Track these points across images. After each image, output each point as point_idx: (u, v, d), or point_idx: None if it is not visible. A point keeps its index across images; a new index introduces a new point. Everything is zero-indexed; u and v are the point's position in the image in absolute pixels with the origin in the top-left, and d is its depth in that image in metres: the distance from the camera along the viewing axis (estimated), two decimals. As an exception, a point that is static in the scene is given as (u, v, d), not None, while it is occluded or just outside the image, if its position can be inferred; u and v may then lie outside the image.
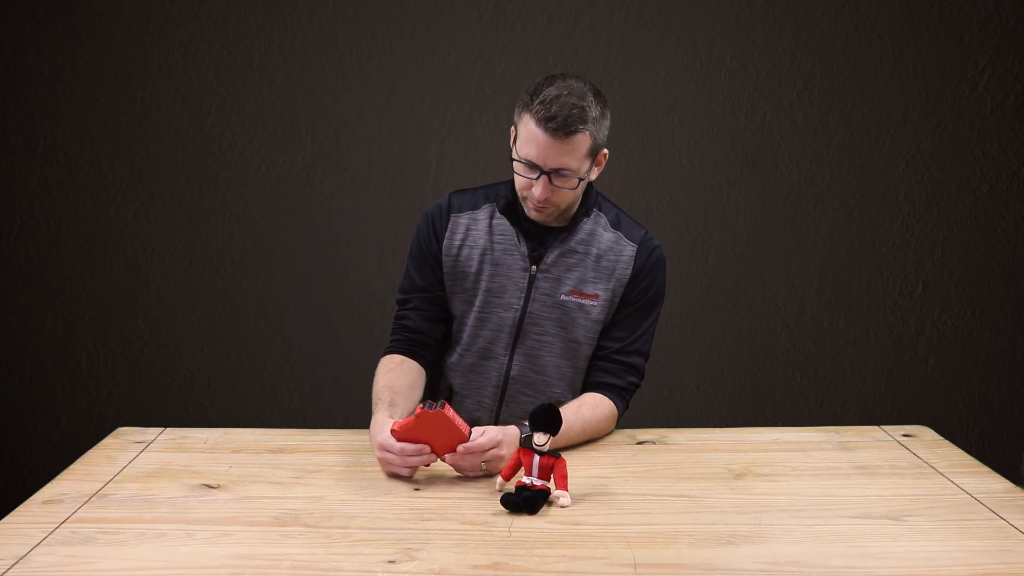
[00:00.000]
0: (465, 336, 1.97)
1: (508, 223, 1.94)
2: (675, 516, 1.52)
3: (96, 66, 3.13)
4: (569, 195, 1.85)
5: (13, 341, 3.24)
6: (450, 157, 3.20)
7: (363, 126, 3.19)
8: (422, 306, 1.98)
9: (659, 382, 3.27)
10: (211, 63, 3.14)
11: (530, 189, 1.83)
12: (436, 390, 2.05)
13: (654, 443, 1.90)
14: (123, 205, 3.20)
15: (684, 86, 3.19)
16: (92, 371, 3.26)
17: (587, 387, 1.97)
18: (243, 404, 3.28)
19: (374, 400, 1.85)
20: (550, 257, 1.92)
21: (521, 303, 1.92)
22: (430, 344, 1.99)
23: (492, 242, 1.94)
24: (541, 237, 1.93)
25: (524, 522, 1.49)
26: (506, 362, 1.95)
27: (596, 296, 1.93)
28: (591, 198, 1.96)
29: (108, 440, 1.87)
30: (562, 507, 1.54)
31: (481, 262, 1.94)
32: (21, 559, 1.34)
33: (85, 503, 1.55)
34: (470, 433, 1.65)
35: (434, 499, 1.58)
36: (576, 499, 1.57)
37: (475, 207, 1.97)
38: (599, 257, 1.93)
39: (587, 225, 1.94)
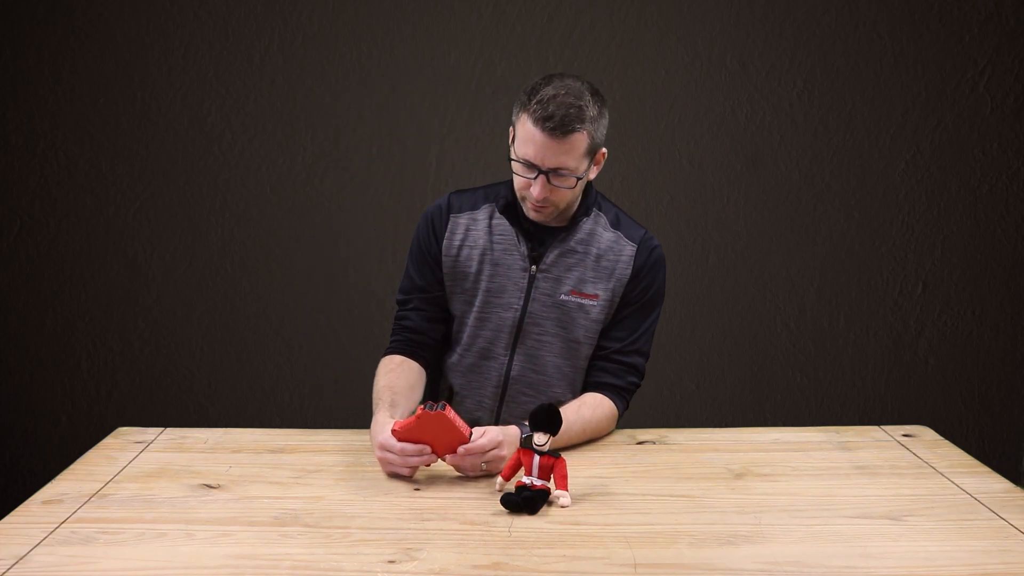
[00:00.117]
0: (465, 336, 1.97)
1: (508, 223, 1.94)
2: (675, 516, 1.52)
3: (96, 66, 3.13)
4: (568, 195, 1.85)
5: (13, 341, 3.24)
6: (450, 157, 3.20)
7: (363, 126, 3.19)
8: (422, 306, 1.98)
9: (659, 382, 3.27)
10: (211, 63, 3.14)
11: (528, 189, 1.83)
12: (436, 390, 2.05)
13: (654, 443, 1.90)
14: (123, 205, 3.20)
15: (684, 86, 3.19)
16: (92, 371, 3.26)
17: (587, 387, 1.97)
18: (243, 404, 3.28)
19: (374, 400, 1.85)
20: (550, 257, 1.92)
21: (521, 303, 1.92)
22: (430, 344, 1.99)
23: (492, 242, 1.94)
24: (541, 237, 1.93)
25: (524, 522, 1.49)
26: (506, 362, 1.95)
27: (596, 296, 1.93)
28: (591, 198, 1.95)
29: (108, 440, 1.87)
30: (562, 507, 1.54)
31: (481, 262, 1.94)
32: (21, 559, 1.34)
33: (85, 503, 1.55)
34: (470, 434, 1.65)
35: (434, 499, 1.58)
36: (576, 499, 1.57)
37: (475, 207, 1.97)
38: (599, 257, 1.93)
39: (587, 225, 1.94)
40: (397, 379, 1.89)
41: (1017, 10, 3.15)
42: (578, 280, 1.92)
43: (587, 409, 1.88)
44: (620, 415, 1.97)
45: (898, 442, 1.90)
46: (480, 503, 1.56)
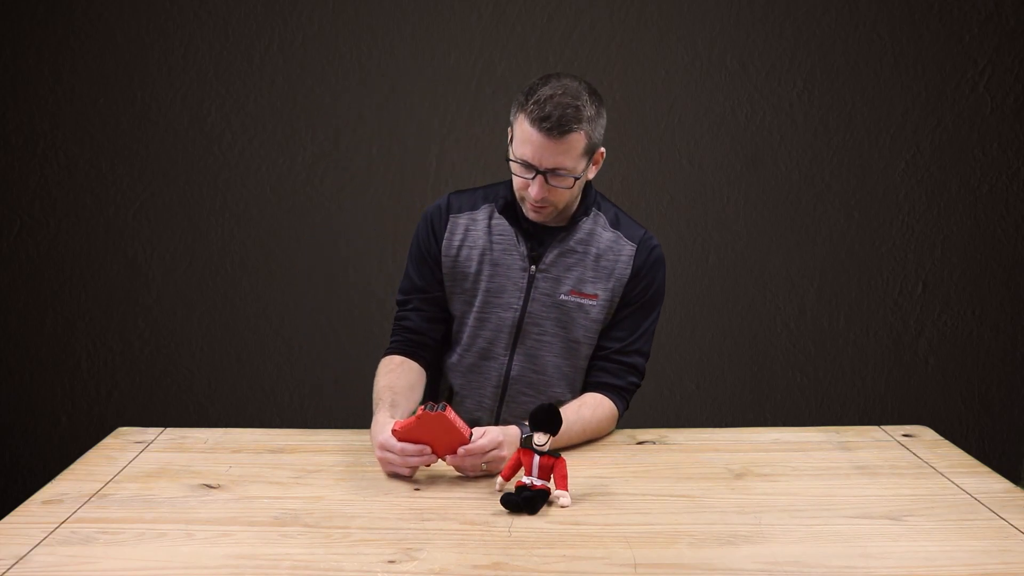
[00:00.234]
0: (465, 336, 1.97)
1: (507, 223, 1.94)
2: (675, 516, 1.52)
3: (96, 66, 3.13)
4: (566, 195, 1.85)
5: (13, 341, 3.24)
6: (450, 157, 3.20)
7: (363, 126, 3.19)
8: (422, 307, 1.98)
9: (659, 382, 3.27)
10: (211, 63, 3.14)
11: (527, 189, 1.83)
12: (436, 390, 2.05)
13: (654, 443, 1.90)
14: (123, 205, 3.20)
15: (684, 86, 3.19)
16: (92, 371, 3.26)
17: (587, 387, 1.97)
18: (243, 404, 3.28)
19: (375, 401, 1.85)
20: (549, 257, 1.92)
21: (520, 303, 1.92)
22: (430, 345, 1.99)
23: (491, 242, 1.94)
24: (540, 237, 1.93)
25: (524, 522, 1.49)
26: (506, 362, 1.95)
27: (595, 296, 1.93)
28: (590, 197, 1.95)
29: (108, 440, 1.87)
30: (562, 507, 1.54)
31: (480, 262, 1.94)
32: (21, 559, 1.34)
33: (85, 503, 1.55)
34: (471, 434, 1.65)
35: (434, 499, 1.58)
36: (576, 499, 1.57)
37: (474, 207, 1.97)
38: (598, 257, 1.93)
39: (586, 225, 1.94)
40: (397, 379, 1.89)
41: (1017, 10, 3.15)
42: (577, 280, 1.92)
43: (587, 409, 1.88)
44: (620, 415, 1.97)
45: (898, 442, 1.90)
46: (480, 503, 1.56)
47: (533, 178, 1.80)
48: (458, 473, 1.69)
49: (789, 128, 3.22)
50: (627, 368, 1.95)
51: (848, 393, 3.33)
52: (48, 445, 3.27)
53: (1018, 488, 1.64)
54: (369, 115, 3.18)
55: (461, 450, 1.64)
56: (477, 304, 1.94)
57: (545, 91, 1.76)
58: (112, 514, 1.51)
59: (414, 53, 3.16)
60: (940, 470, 1.74)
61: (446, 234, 1.96)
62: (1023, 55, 3.18)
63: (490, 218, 1.95)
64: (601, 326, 1.95)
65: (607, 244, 1.94)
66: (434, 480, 1.67)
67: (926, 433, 1.97)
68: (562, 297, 1.92)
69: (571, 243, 1.93)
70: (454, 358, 1.99)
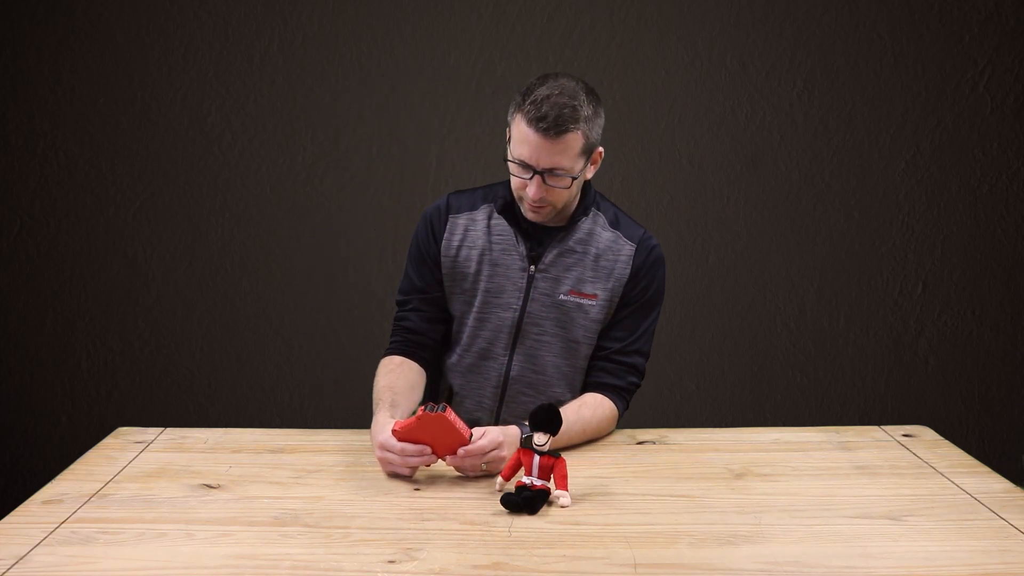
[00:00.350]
0: (465, 337, 1.97)
1: (506, 223, 1.94)
2: (675, 516, 1.52)
3: (96, 66, 3.13)
4: (564, 194, 1.84)
5: (13, 341, 3.24)
6: (450, 157, 3.20)
7: (363, 126, 3.19)
8: (421, 307, 1.98)
9: (659, 382, 3.27)
10: (211, 63, 3.14)
11: (525, 189, 1.83)
12: (436, 391, 2.05)
13: (654, 443, 1.90)
14: (123, 205, 3.20)
15: (684, 86, 3.19)
16: (92, 371, 3.26)
17: (587, 387, 1.97)
18: (243, 404, 3.28)
19: (375, 401, 1.85)
20: (548, 257, 1.92)
21: (520, 303, 1.92)
22: (429, 345, 1.99)
23: (491, 242, 1.94)
24: (539, 237, 1.93)
25: (524, 522, 1.49)
26: (506, 362, 1.95)
27: (595, 296, 1.92)
28: (589, 197, 1.95)
29: (108, 440, 1.87)
30: (562, 507, 1.54)
31: (480, 263, 1.94)
32: (21, 559, 1.34)
33: (85, 503, 1.55)
34: (471, 435, 1.65)
35: (434, 499, 1.58)
36: (576, 499, 1.57)
37: (473, 208, 1.97)
38: (598, 256, 1.93)
39: (585, 224, 1.94)
40: (397, 379, 1.89)
41: (1017, 10, 3.15)
42: (577, 280, 1.92)
43: (587, 409, 1.88)
44: (620, 415, 1.97)
45: (898, 442, 1.90)
46: (480, 503, 1.56)
47: (531, 178, 1.80)
48: (458, 473, 1.69)
49: (789, 128, 3.22)
50: (627, 368, 1.95)
51: (848, 393, 3.33)
52: (48, 445, 3.27)
53: (1018, 488, 1.64)
54: (369, 115, 3.18)
55: (461, 451, 1.64)
56: (477, 304, 1.94)
57: (542, 91, 1.76)
58: (112, 514, 1.51)
59: (414, 53, 3.16)
60: (940, 470, 1.74)
61: (445, 234, 1.96)
62: (1023, 55, 3.18)
63: (489, 218, 1.95)
64: (601, 326, 1.95)
65: (606, 244, 1.94)
66: (434, 480, 1.67)
67: (926, 433, 1.97)
68: (561, 297, 1.92)
69: (570, 243, 1.93)
70: (454, 358, 1.99)
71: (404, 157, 3.21)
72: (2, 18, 3.10)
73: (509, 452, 1.66)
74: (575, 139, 1.77)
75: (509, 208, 1.93)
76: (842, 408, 3.33)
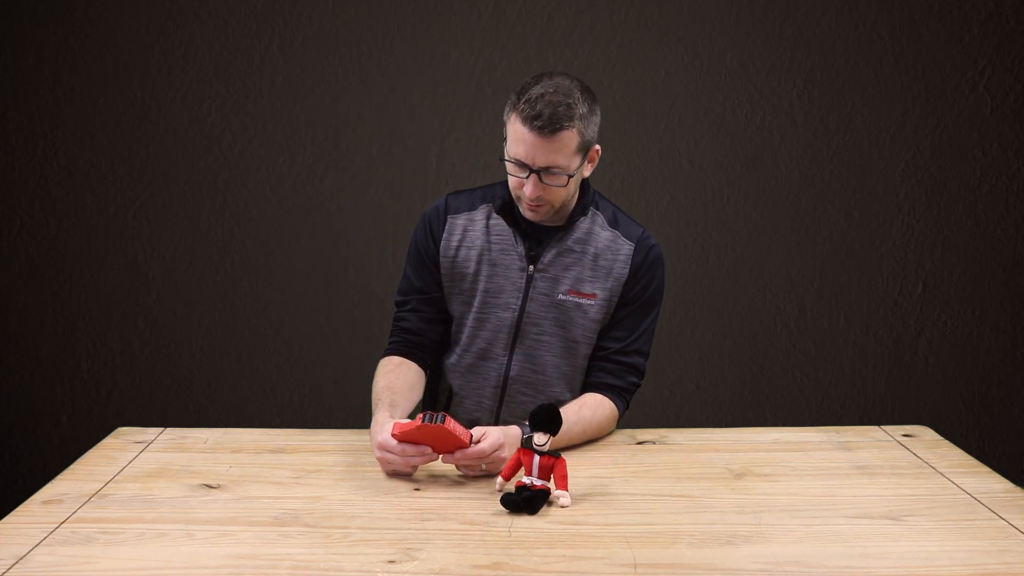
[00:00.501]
0: (464, 337, 1.97)
1: (505, 223, 1.94)
2: (675, 516, 1.52)
3: (96, 66, 3.13)
4: (562, 193, 1.84)
5: (13, 341, 3.24)
6: (450, 157, 3.20)
7: (363, 126, 3.19)
8: (420, 308, 1.98)
9: (659, 382, 3.27)
10: (211, 63, 3.14)
11: (522, 188, 1.83)
12: (436, 391, 2.05)
13: (654, 443, 1.90)
14: (123, 205, 3.20)
15: (684, 86, 3.19)
16: (92, 371, 3.26)
17: (587, 387, 1.97)
18: (243, 404, 3.28)
19: (374, 401, 1.85)
20: (547, 256, 1.92)
21: (519, 303, 1.92)
22: (428, 345, 1.99)
23: (489, 242, 1.94)
24: (538, 237, 1.93)
25: (524, 522, 1.49)
26: (505, 362, 1.95)
27: (594, 295, 1.92)
28: (588, 197, 1.95)
29: (108, 440, 1.87)
30: (562, 507, 1.54)
31: (479, 263, 1.94)
32: (21, 559, 1.34)
33: (85, 503, 1.55)
34: (471, 437, 1.65)
35: (434, 499, 1.58)
36: (576, 499, 1.57)
37: (472, 208, 1.97)
38: (596, 256, 1.93)
39: (584, 224, 1.94)
40: (396, 379, 1.89)
41: (1017, 10, 3.15)
42: (576, 279, 1.92)
43: (588, 410, 1.88)
44: (620, 415, 1.97)
45: (898, 442, 1.90)
46: (480, 503, 1.56)
47: (527, 177, 1.81)
48: (458, 473, 1.69)
49: (789, 128, 3.22)
50: (627, 368, 1.95)
51: (848, 393, 3.33)
52: (48, 445, 3.27)
53: (1018, 488, 1.64)
54: (369, 115, 3.18)
55: (458, 453, 1.64)
56: (476, 304, 1.94)
57: (536, 90, 1.77)
58: (112, 514, 1.51)
59: (414, 53, 3.16)
60: (940, 470, 1.74)
61: (444, 235, 1.96)
62: (1023, 55, 3.18)
63: (488, 218, 1.95)
64: (600, 326, 1.95)
65: (605, 243, 1.94)
66: (434, 480, 1.67)
67: (926, 433, 1.97)
68: (560, 297, 1.92)
69: (569, 243, 1.93)
70: (453, 359, 1.99)
71: (404, 157, 3.21)
72: (2, 18, 3.10)
73: (510, 452, 1.66)
74: (570, 137, 1.77)
75: (508, 208, 1.93)
76: (842, 408, 3.33)
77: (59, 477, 1.66)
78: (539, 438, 1.54)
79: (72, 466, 1.72)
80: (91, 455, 1.79)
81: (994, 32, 3.16)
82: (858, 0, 3.16)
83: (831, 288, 3.29)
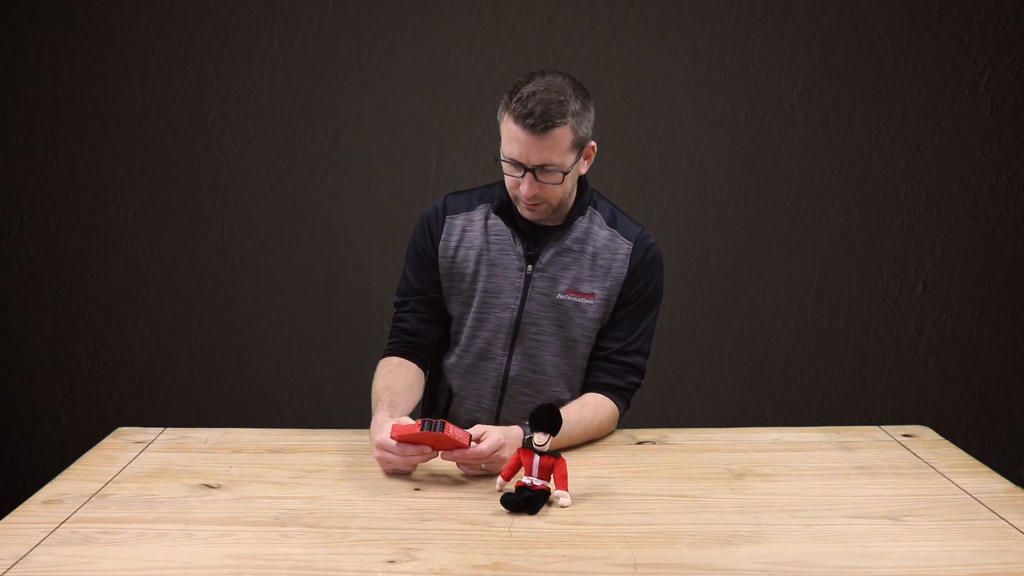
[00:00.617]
0: (463, 337, 1.97)
1: (503, 223, 1.94)
2: (675, 516, 1.52)
3: (96, 66, 3.13)
4: (558, 190, 1.84)
5: (13, 341, 3.24)
6: (450, 157, 3.20)
7: (363, 126, 3.19)
8: (419, 308, 1.98)
9: (659, 382, 3.27)
10: (211, 63, 3.14)
11: (518, 188, 1.83)
12: (435, 392, 2.05)
13: (654, 443, 1.90)
14: (123, 205, 3.20)
15: (684, 86, 3.19)
16: (92, 371, 3.26)
17: (588, 387, 1.97)
18: (243, 404, 3.28)
19: (374, 402, 1.85)
20: (546, 256, 1.92)
21: (518, 303, 1.92)
22: (428, 346, 1.99)
23: (488, 243, 1.94)
24: (536, 236, 1.93)
25: (524, 522, 1.49)
26: (505, 362, 1.95)
27: (592, 295, 1.92)
28: (586, 196, 1.95)
29: (108, 440, 1.87)
30: (562, 507, 1.54)
31: (477, 263, 1.94)
32: (21, 559, 1.34)
33: (85, 503, 1.55)
34: (470, 438, 1.65)
35: (434, 499, 1.58)
36: (576, 499, 1.57)
37: (470, 208, 1.97)
38: (595, 255, 1.93)
39: (582, 223, 1.94)
40: (396, 380, 1.89)
41: (1017, 10, 3.15)
42: (574, 279, 1.92)
43: (589, 410, 1.88)
44: (621, 415, 1.97)
45: (898, 442, 1.90)
46: (480, 503, 1.56)
47: (522, 176, 1.81)
48: (458, 473, 1.69)
49: (789, 128, 3.22)
50: (627, 368, 1.95)
51: (848, 393, 3.33)
52: (48, 445, 3.27)
53: (1018, 488, 1.64)
54: (369, 115, 3.18)
55: (458, 452, 1.64)
56: (475, 305, 1.94)
57: (528, 88, 1.77)
58: (112, 514, 1.51)
59: (414, 53, 3.16)
60: (940, 470, 1.74)
61: (443, 235, 1.96)
62: (1023, 55, 3.18)
63: (486, 219, 1.96)
64: (599, 325, 1.95)
65: (603, 243, 1.94)
66: (434, 480, 1.67)
67: (926, 433, 1.97)
68: (559, 296, 1.92)
69: (567, 242, 1.93)
70: (452, 359, 1.99)
71: (404, 157, 3.21)
72: (2, 18, 3.10)
73: (510, 452, 1.66)
74: (563, 134, 1.77)
75: (506, 208, 1.93)
76: (842, 408, 3.33)
77: (59, 477, 1.66)
78: (539, 438, 1.54)
79: (72, 466, 1.72)
80: (91, 455, 1.79)
81: (994, 32, 3.16)
82: (858, 0, 3.16)
83: (831, 288, 3.29)
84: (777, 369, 3.33)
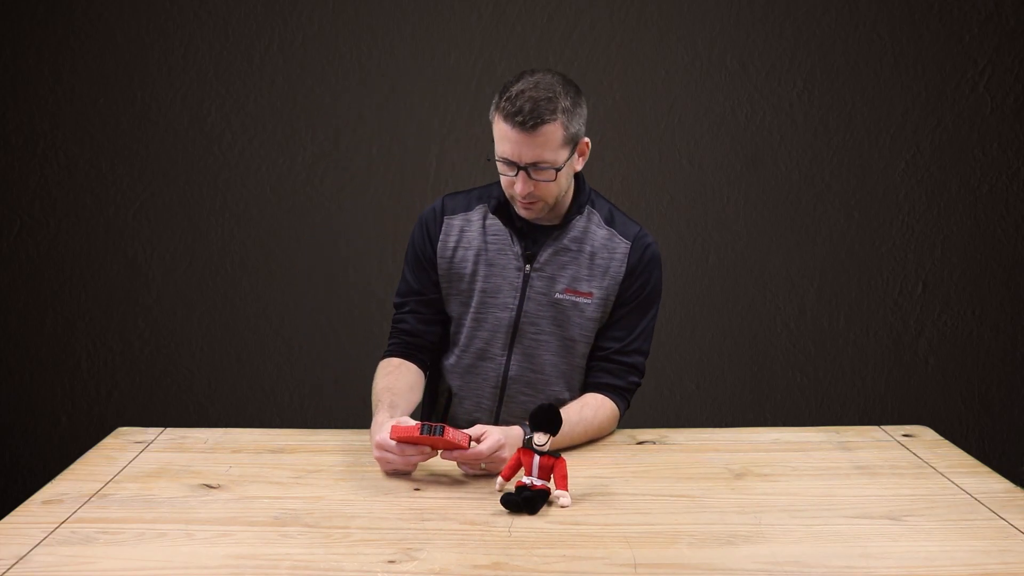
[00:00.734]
0: (462, 338, 1.97)
1: (501, 223, 1.94)
2: (675, 516, 1.52)
3: (96, 66, 3.13)
4: (553, 188, 1.84)
5: (13, 341, 3.24)
6: (450, 157, 3.20)
7: (363, 126, 3.19)
8: (418, 309, 1.98)
9: (659, 382, 3.27)
10: (211, 63, 3.14)
11: (513, 187, 1.83)
12: (435, 392, 2.05)
13: (654, 443, 1.90)
14: (123, 205, 3.20)
15: (684, 86, 3.19)
16: (92, 371, 3.26)
17: (588, 387, 1.97)
18: (243, 404, 3.28)
19: (374, 402, 1.85)
20: (544, 256, 1.92)
21: (516, 303, 1.92)
22: (427, 347, 1.99)
23: (486, 243, 1.94)
24: (534, 236, 1.93)
25: (524, 522, 1.49)
26: (504, 362, 1.95)
27: (590, 294, 1.92)
28: (584, 195, 1.95)
29: (108, 440, 1.87)
30: (562, 507, 1.54)
31: (476, 263, 1.94)
32: (21, 559, 1.34)
33: (85, 503, 1.55)
34: (470, 439, 1.65)
35: (434, 499, 1.58)
36: (576, 499, 1.57)
37: (468, 209, 1.98)
38: (593, 255, 1.93)
39: (580, 223, 1.94)
40: (396, 380, 1.89)
41: (1017, 10, 3.15)
42: (572, 278, 1.92)
43: (589, 410, 1.88)
44: (621, 415, 1.97)
45: (898, 442, 1.90)
46: (480, 503, 1.56)
47: (516, 174, 1.81)
48: (458, 473, 1.69)
49: (789, 128, 3.22)
50: (627, 368, 1.95)
51: (848, 393, 3.33)
52: (48, 445, 3.27)
53: (1018, 488, 1.64)
54: (369, 115, 3.18)
55: (457, 453, 1.64)
56: (473, 305, 1.95)
57: (517, 87, 1.78)
58: (112, 514, 1.51)
59: (414, 53, 3.16)
60: (940, 470, 1.74)
61: (441, 236, 1.96)
62: (1023, 55, 3.18)
63: (484, 219, 1.96)
64: (597, 324, 1.95)
65: (601, 242, 1.94)
66: (434, 480, 1.67)
67: (926, 433, 1.97)
68: (557, 296, 1.92)
69: (565, 241, 1.93)
70: (452, 359, 1.99)
71: (404, 157, 3.21)
72: (2, 18, 3.10)
73: (510, 453, 1.66)
74: (554, 130, 1.78)
75: (503, 208, 1.93)
76: (842, 408, 3.33)
77: (59, 477, 1.66)
78: (539, 438, 1.54)
79: (72, 466, 1.72)
80: (91, 455, 1.79)
81: (994, 32, 3.16)
82: (858, 0, 3.16)
83: (831, 288, 3.29)
84: (777, 369, 3.33)
